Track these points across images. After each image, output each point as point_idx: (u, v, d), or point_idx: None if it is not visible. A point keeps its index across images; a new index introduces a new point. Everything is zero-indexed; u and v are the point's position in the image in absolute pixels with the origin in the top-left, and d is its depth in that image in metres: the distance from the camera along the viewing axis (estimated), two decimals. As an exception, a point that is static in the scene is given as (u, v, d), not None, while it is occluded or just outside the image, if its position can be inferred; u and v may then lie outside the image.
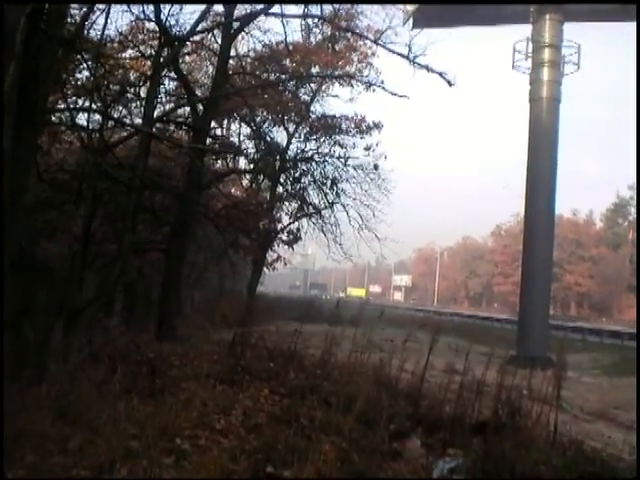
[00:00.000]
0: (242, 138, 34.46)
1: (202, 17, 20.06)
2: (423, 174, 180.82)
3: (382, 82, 24.09)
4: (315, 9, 21.92)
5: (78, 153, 17.82)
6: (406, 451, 8.04)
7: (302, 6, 21.84)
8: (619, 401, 16.08)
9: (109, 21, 17.85)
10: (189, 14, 19.77)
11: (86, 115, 16.58)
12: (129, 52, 21.57)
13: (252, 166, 34.32)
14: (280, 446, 7.19)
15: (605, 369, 25.07)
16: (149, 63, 20.56)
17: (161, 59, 18.74)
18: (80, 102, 18.44)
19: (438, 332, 11.57)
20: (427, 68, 18.81)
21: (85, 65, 16.45)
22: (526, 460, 7.08)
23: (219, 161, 31.79)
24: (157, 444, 7.11)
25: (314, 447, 7.07)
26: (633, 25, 32.89)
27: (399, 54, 19.13)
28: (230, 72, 23.93)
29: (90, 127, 15.82)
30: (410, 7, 28.22)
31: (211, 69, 27.62)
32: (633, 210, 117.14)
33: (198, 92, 24.74)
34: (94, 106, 16.61)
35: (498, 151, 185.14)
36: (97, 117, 17.12)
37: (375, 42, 22.45)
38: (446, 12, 30.61)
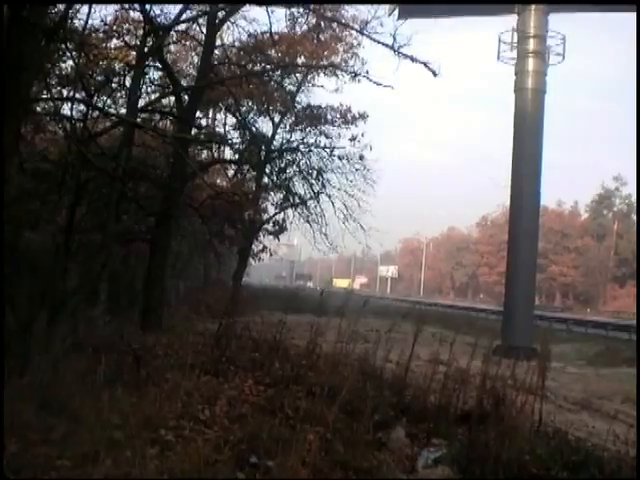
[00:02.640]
0: (227, 128, 34.36)
1: (186, 6, 19.95)
2: (409, 165, 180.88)
3: (367, 72, 24.04)
4: (301, -1, 21.82)
5: (61, 143, 17.73)
6: (390, 441, 8.06)
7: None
8: (603, 391, 16.17)
9: (93, 10, 17.72)
10: (174, 3, 19.59)
11: (70, 105, 16.48)
12: (113, 42, 21.50)
13: (237, 156, 34.19)
14: (264, 436, 7.18)
15: (589, 359, 25.18)
16: (134, 53, 20.46)
17: (145, 48, 18.65)
18: (64, 92, 18.38)
19: (423, 322, 11.60)
20: (412, 58, 18.74)
21: (69, 54, 16.34)
22: (510, 449, 7.10)
23: (204, 151, 31.67)
24: (141, 434, 7.09)
25: (298, 437, 7.05)
26: (617, 15, 33.12)
27: (384, 44, 19.07)
28: (215, 62, 23.86)
29: (74, 117, 15.72)
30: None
31: (196, 59, 27.52)
32: (618, 201, 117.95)
33: (183, 82, 24.63)
34: (78, 96, 16.51)
35: (484, 141, 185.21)
36: (81, 107, 17.04)
37: (360, 32, 22.38)
38: (432, 3, 30.53)
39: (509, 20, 29.16)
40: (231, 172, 36.75)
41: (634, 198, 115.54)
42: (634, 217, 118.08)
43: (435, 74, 18.52)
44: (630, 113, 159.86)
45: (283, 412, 8.17)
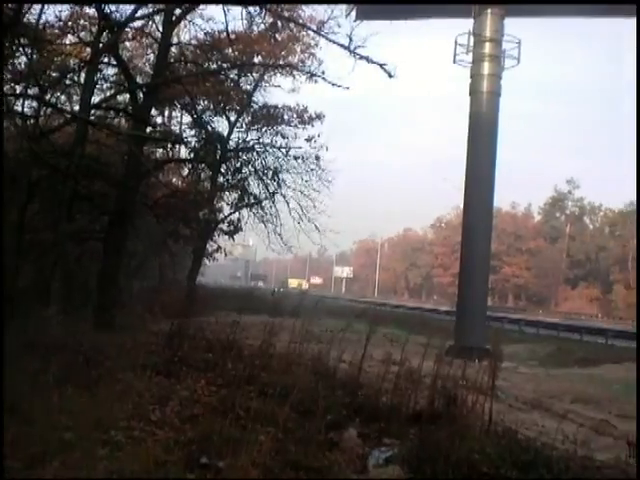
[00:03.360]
0: (183, 127, 34.16)
1: (142, 2, 19.83)
2: (364, 166, 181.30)
3: (323, 73, 24.13)
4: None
5: (13, 140, 17.52)
6: (342, 441, 8.07)
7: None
8: (554, 391, 16.37)
9: (47, 6, 17.58)
10: (130, 3, 19.44)
11: (22, 101, 16.31)
12: (68, 38, 21.29)
13: (193, 155, 34.04)
14: (215, 437, 7.16)
15: (541, 360, 25.45)
16: (89, 49, 20.29)
17: (100, 45, 18.50)
18: (17, 88, 18.15)
19: (377, 323, 11.65)
20: (367, 59, 18.79)
21: (22, 50, 16.17)
22: (461, 449, 7.16)
23: (159, 150, 31.45)
24: (91, 435, 7.04)
25: (249, 437, 7.04)
26: (574, 20, 33.55)
27: (340, 45, 19.12)
28: (171, 60, 23.73)
29: (26, 113, 15.57)
30: None
31: (152, 57, 27.34)
32: (570, 204, 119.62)
33: (138, 79, 24.48)
34: (30, 92, 16.35)
35: (438, 143, 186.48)
36: (34, 103, 16.87)
37: (317, 32, 22.49)
38: (388, 4, 30.64)
39: (466, 23, 29.38)
40: (186, 171, 36.56)
41: (586, 201, 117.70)
42: (586, 220, 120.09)
43: (391, 75, 18.60)
44: (584, 117, 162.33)
45: (234, 412, 8.13)
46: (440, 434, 7.62)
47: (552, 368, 22.52)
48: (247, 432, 7.28)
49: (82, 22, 21.47)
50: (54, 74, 19.48)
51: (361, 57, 18.74)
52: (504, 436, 8.19)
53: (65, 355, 10.72)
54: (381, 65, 18.62)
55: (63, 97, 21.63)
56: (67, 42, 21.26)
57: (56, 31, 20.37)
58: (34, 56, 15.97)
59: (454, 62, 29.52)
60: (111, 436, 7.24)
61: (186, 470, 6.53)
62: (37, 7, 17.00)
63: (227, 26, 22.95)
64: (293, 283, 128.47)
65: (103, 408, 7.99)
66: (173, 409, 8.60)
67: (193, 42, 26.67)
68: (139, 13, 20.05)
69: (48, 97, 18.83)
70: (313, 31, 24.16)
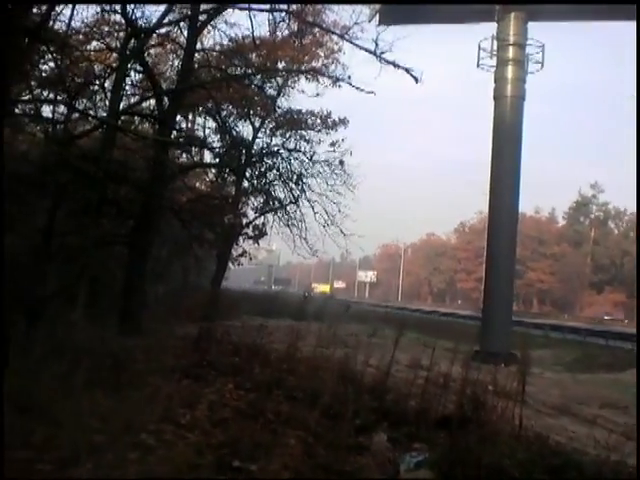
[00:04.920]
0: (207, 132, 34.32)
1: (168, 10, 19.95)
2: (389, 170, 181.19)
3: (349, 77, 24.15)
4: (282, 3, 21.89)
5: (42, 144, 17.64)
6: (372, 445, 8.06)
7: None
8: (582, 396, 16.28)
9: (75, 12, 17.72)
10: (155, 6, 19.60)
11: (50, 106, 16.43)
12: (95, 44, 21.45)
13: (217, 160, 34.16)
14: (246, 440, 7.16)
15: (567, 365, 25.34)
16: (115, 55, 20.42)
17: (127, 51, 18.61)
18: (45, 93, 18.30)
19: (402, 327, 11.62)
20: (394, 64, 18.85)
21: (50, 56, 16.29)
22: (491, 454, 7.12)
23: (184, 154, 31.58)
24: (122, 439, 7.05)
25: (280, 441, 7.05)
26: (595, 24, 33.35)
27: (366, 49, 19.19)
28: (196, 65, 23.84)
29: (54, 118, 15.68)
30: (376, 4, 28.21)
31: (177, 62, 27.47)
32: (595, 209, 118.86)
33: (164, 85, 24.59)
34: (59, 97, 16.46)
35: (463, 147, 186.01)
36: (61, 108, 16.99)
37: (342, 37, 22.52)
38: (412, 9, 30.63)
39: (489, 28, 29.33)
40: (211, 176, 36.73)
41: (611, 206, 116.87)
42: (611, 224, 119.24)
43: (417, 80, 18.65)
44: (608, 121, 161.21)
45: (264, 416, 8.14)
46: (470, 439, 7.58)
47: (578, 373, 22.41)
48: (277, 436, 7.29)
49: (108, 28, 21.63)
50: (81, 80, 19.60)
51: (387, 62, 18.79)
52: (535, 441, 8.14)
53: (93, 359, 10.75)
54: (407, 70, 18.66)
55: (90, 103, 21.74)
56: (93, 48, 21.46)
57: (82, 37, 20.54)
58: (62, 62, 16.07)
59: (478, 66, 29.54)
60: (142, 439, 7.24)
61: (218, 473, 6.53)
62: (65, 13, 17.16)
63: (252, 31, 23.12)
64: (322, 288, 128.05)
65: (133, 411, 7.99)
66: (203, 413, 8.60)
67: (218, 48, 26.80)
68: (165, 20, 20.16)
69: (75, 102, 18.95)
70: (338, 35, 24.17)
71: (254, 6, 21.44)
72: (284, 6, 22.00)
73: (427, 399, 9.51)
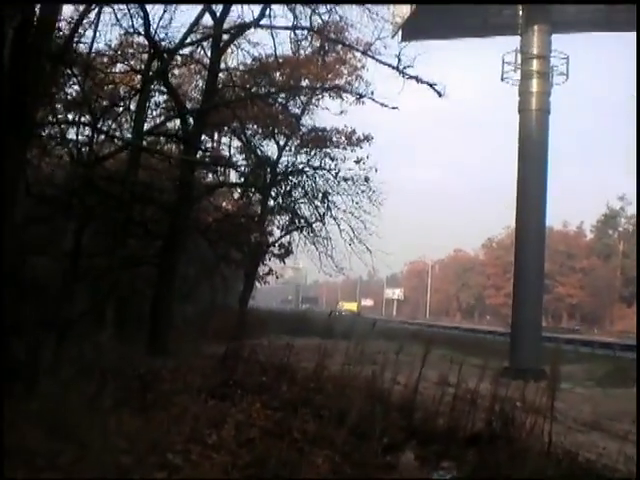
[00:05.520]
0: (232, 151, 34.53)
1: (191, 30, 20.10)
2: (414, 186, 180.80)
3: (372, 93, 24.17)
4: (304, 21, 21.99)
5: (68, 167, 17.78)
6: (400, 464, 7.99)
7: (291, 18, 21.89)
8: (613, 412, 16.03)
9: (98, 34, 17.89)
10: (178, 27, 19.75)
11: (75, 129, 16.57)
12: (118, 66, 21.64)
13: (243, 179, 34.28)
14: (273, 460, 7.12)
15: (598, 380, 24.99)
16: (139, 77, 20.58)
17: (150, 72, 18.75)
18: (69, 116, 18.45)
19: (430, 344, 11.53)
20: (417, 79, 18.88)
21: (74, 79, 16.44)
22: (521, 471, 7.03)
23: (209, 174, 31.72)
24: (149, 459, 7.04)
25: (307, 460, 7.01)
26: (620, 35, 33.11)
27: (389, 65, 19.24)
28: (220, 85, 23.96)
29: (80, 141, 15.81)
30: (399, 19, 28.25)
31: (201, 82, 27.66)
32: (623, 221, 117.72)
33: (188, 105, 24.75)
34: (83, 120, 16.60)
35: (488, 162, 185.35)
36: (87, 131, 17.13)
37: (364, 53, 22.56)
38: (434, 24, 30.61)
39: (512, 41, 29.24)
40: (237, 195, 36.80)
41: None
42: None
43: (440, 95, 18.67)
44: (635, 133, 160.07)
45: (291, 436, 8.10)
46: (499, 456, 7.50)
47: (609, 388, 22.10)
48: (305, 455, 7.25)
49: (131, 50, 21.83)
50: (105, 102, 19.76)
51: (410, 77, 18.80)
52: (565, 458, 8.04)
53: (120, 379, 10.78)
54: (431, 85, 18.65)
55: (114, 124, 21.91)
56: (117, 70, 21.66)
57: (106, 59, 20.73)
58: (86, 84, 16.21)
59: (502, 80, 29.41)
60: (168, 459, 7.23)
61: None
62: (88, 36, 17.32)
63: (275, 50, 23.19)
64: (350, 306, 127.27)
65: (159, 431, 7.99)
66: (229, 432, 8.57)
67: (241, 67, 26.96)
68: (188, 40, 20.31)
69: (100, 124, 19.12)
70: (360, 52, 24.25)
71: (276, 24, 21.57)
72: (306, 24, 22.07)
73: (456, 417, 9.42)
